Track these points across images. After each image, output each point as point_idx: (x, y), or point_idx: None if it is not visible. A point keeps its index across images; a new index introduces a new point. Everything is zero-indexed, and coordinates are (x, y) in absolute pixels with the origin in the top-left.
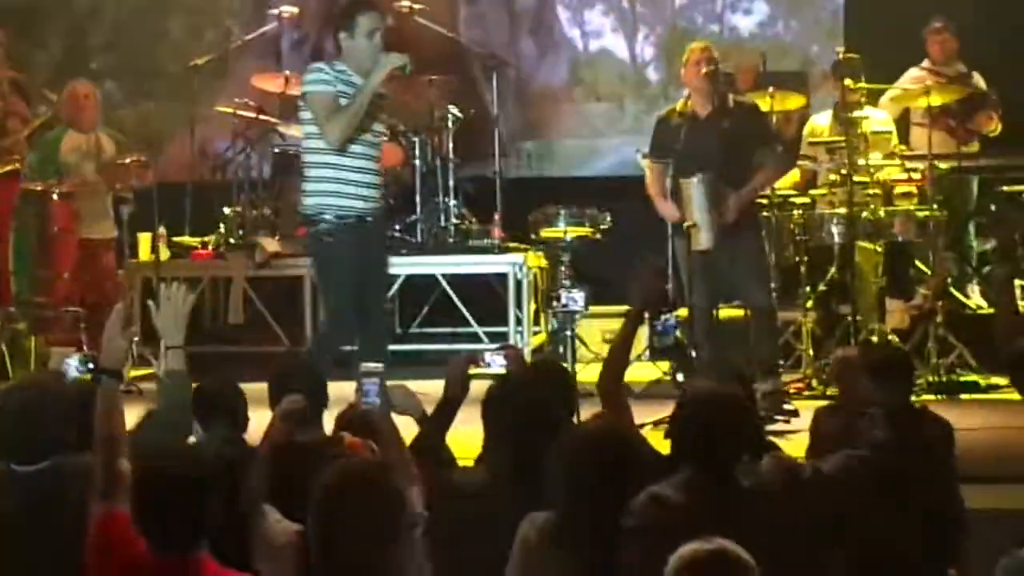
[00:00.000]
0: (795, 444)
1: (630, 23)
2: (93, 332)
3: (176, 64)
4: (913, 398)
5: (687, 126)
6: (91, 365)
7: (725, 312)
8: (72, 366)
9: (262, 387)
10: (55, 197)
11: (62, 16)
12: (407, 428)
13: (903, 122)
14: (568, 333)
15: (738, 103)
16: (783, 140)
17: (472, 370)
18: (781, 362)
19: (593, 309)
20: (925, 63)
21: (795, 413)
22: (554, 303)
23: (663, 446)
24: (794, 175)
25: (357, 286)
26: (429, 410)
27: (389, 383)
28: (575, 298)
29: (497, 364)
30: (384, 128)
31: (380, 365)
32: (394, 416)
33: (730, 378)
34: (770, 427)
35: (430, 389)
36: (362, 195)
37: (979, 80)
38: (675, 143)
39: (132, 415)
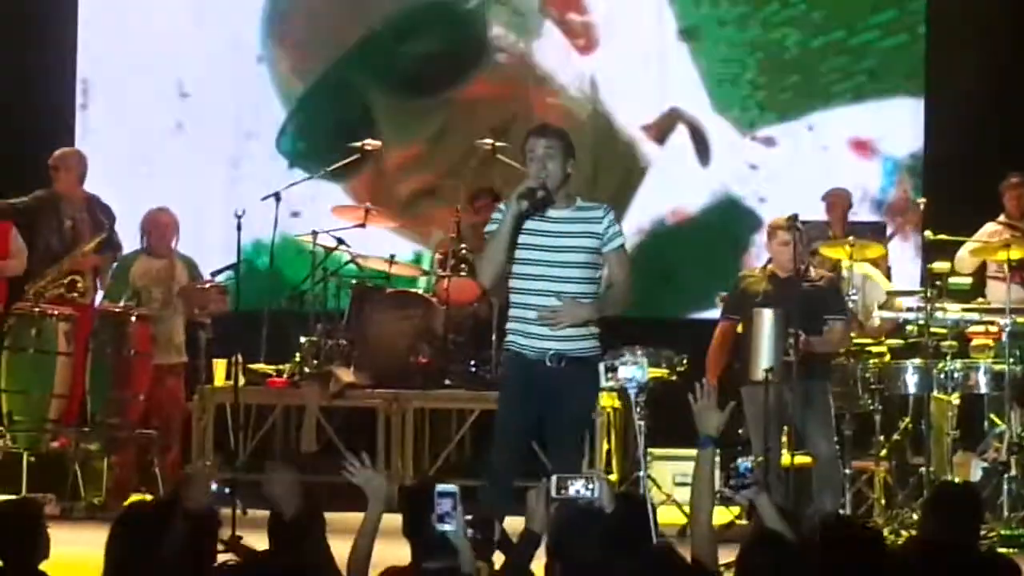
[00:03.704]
0: None
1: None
2: (160, 455)
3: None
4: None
5: (767, 283)
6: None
7: (798, 459)
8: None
9: (333, 516)
10: (133, 319)
11: None
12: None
13: (979, 275)
14: (640, 474)
15: (818, 275)
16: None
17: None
18: (850, 511)
19: (665, 452)
20: (1001, 217)
21: None
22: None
23: None
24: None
25: (523, 424)
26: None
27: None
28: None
29: (583, 492)
30: (574, 260)
31: (454, 487)
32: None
33: (796, 523)
34: None
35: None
36: (522, 331)
37: None
38: (755, 298)
39: None
